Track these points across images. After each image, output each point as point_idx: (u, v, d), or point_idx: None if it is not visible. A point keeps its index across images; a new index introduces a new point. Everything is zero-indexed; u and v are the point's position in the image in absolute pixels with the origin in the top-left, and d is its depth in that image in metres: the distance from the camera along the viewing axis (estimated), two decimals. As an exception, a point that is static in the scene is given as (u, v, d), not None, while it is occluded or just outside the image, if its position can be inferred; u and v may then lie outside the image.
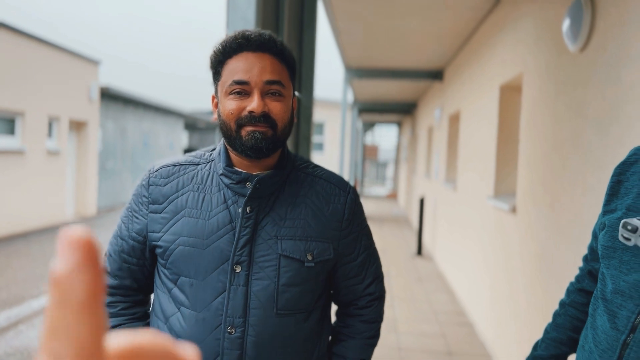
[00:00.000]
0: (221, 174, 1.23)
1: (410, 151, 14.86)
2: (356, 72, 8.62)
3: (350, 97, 12.64)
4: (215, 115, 1.24)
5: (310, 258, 1.21)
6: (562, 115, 2.99)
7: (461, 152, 6.43)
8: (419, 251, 8.78)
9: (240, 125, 1.16)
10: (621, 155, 2.02)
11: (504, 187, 4.63)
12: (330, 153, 21.57)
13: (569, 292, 1.39)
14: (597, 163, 2.48)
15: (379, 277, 1.39)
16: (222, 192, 1.21)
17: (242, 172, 1.21)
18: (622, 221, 0.96)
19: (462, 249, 6.01)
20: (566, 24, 2.85)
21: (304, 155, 3.93)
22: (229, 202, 1.20)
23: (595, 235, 1.26)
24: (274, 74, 1.17)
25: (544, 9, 3.41)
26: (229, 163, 1.23)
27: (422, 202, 8.98)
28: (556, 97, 3.11)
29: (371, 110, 15.19)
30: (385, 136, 38.01)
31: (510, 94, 4.56)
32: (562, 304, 1.39)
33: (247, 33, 1.18)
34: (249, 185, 1.20)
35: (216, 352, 1.17)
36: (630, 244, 0.97)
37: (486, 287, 4.73)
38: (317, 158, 32.70)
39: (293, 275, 1.20)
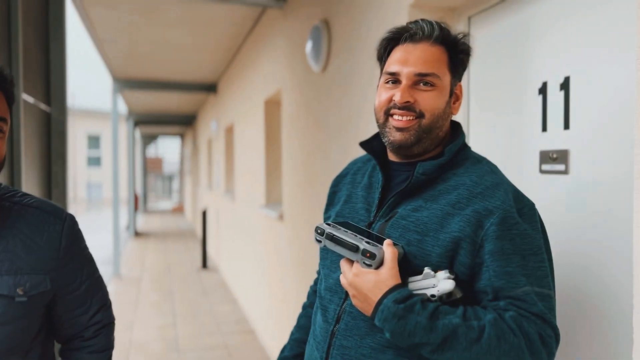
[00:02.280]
0: None
1: (193, 163, 14.72)
2: (126, 83, 8.20)
3: (123, 108, 11.95)
4: None
5: (21, 292, 1.12)
6: (311, 128, 3.28)
7: (237, 163, 6.60)
8: (204, 264, 8.73)
9: None
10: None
11: (273, 196, 4.88)
12: (110, 167, 20.11)
13: (308, 294, 1.52)
14: (338, 170, 2.78)
15: (105, 304, 1.35)
16: None
17: None
18: (315, 226, 1.09)
19: (243, 257, 6.17)
20: (309, 45, 3.14)
21: (60, 174, 3.59)
22: None
23: None
24: None
25: (295, 29, 3.71)
26: None
27: (204, 214, 8.96)
28: (307, 111, 3.40)
29: (150, 122, 14.60)
30: (169, 148, 36.98)
31: (273, 108, 4.84)
32: (304, 306, 1.51)
33: None
34: None
35: None
36: (321, 245, 1.09)
37: (264, 293, 4.92)
38: (95, 173, 30.39)
39: (2, 313, 1.10)
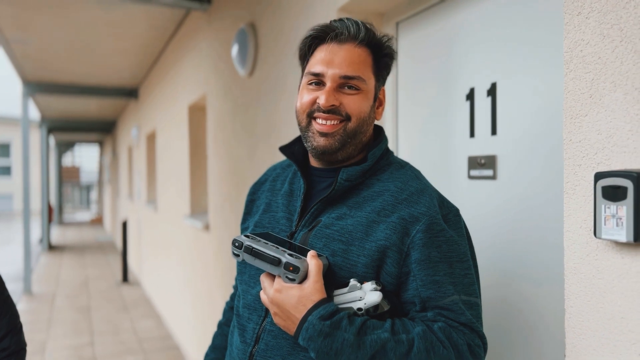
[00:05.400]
0: None
1: (113, 172, 14.05)
2: (37, 86, 7.68)
3: (35, 114, 11.20)
4: None
5: None
6: (239, 134, 3.19)
7: (160, 172, 6.34)
8: (125, 278, 8.31)
9: None
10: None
11: (199, 205, 4.71)
12: (20, 177, 18.79)
13: (224, 311, 1.42)
14: (266, 179, 2.70)
15: (15, 329, 1.22)
16: None
17: None
18: (233, 238, 1.02)
19: (167, 270, 5.91)
20: (235, 49, 3.05)
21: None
22: None
23: None
24: None
25: (220, 32, 3.60)
26: None
27: (124, 225, 8.54)
28: (234, 117, 3.29)
29: (66, 129, 13.77)
30: (87, 156, 35.21)
31: (197, 114, 4.68)
32: (219, 324, 1.41)
33: None
34: None
35: None
36: (239, 259, 1.01)
37: (189, 306, 4.72)
38: (4, 183, 28.27)
39: None
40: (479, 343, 0.98)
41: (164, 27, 5.00)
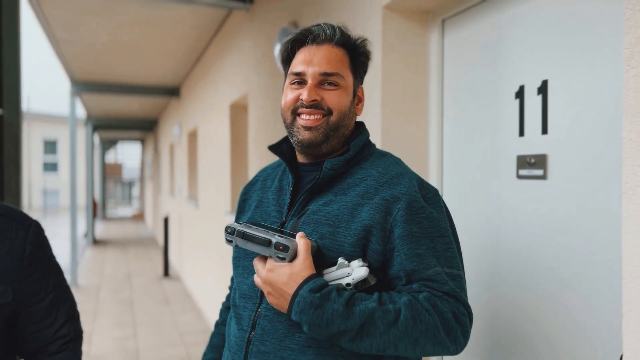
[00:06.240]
0: None
1: (155, 169, 14.38)
2: (84, 86, 7.93)
3: (81, 113, 11.58)
4: None
5: None
6: (280, 133, 3.21)
7: (201, 169, 6.45)
8: (166, 272, 8.51)
9: None
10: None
11: (239, 202, 4.77)
12: (67, 173, 19.47)
13: (220, 311, 1.48)
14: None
15: (73, 317, 1.28)
16: None
17: None
18: (225, 226, 1.07)
19: (206, 265, 6.02)
20: (277, 48, 3.07)
21: (12, 181, 3.40)
22: None
23: None
24: None
25: (262, 32, 3.64)
26: None
27: (166, 221, 8.74)
28: (275, 116, 3.32)
29: (110, 127, 14.19)
30: (129, 154, 36.18)
31: (239, 112, 4.74)
32: (216, 324, 1.47)
33: None
34: None
35: None
36: (232, 245, 1.07)
37: (228, 302, 4.79)
38: (51, 179, 29.34)
39: None
40: (463, 311, 1.03)
41: (206, 27, 5.08)
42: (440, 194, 1.15)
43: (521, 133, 1.53)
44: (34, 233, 1.18)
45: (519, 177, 1.54)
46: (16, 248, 1.13)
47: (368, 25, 2.04)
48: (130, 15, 4.71)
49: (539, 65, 1.47)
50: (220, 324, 1.44)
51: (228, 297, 1.45)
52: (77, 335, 1.27)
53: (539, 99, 1.47)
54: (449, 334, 1.01)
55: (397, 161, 1.19)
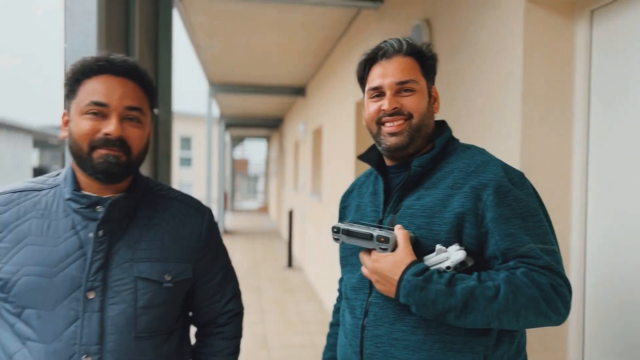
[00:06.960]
0: (68, 199, 1.18)
1: (279, 165, 15.05)
2: (220, 87, 8.55)
3: (216, 112, 12.47)
4: (65, 133, 1.20)
5: (168, 279, 1.21)
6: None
7: (324, 165, 6.66)
8: (290, 263, 8.90)
9: (93, 147, 1.14)
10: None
11: (363, 198, 4.86)
12: (199, 168, 21.09)
13: (333, 313, 1.57)
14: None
15: (237, 294, 1.43)
16: (70, 217, 1.17)
17: (91, 195, 1.19)
18: (332, 226, 1.21)
19: (328, 258, 6.21)
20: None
21: (164, 173, 3.80)
22: (78, 227, 1.17)
23: None
24: (135, 101, 1.18)
25: (391, 30, 3.68)
26: (77, 187, 1.19)
27: (290, 214, 9.13)
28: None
29: (239, 125, 15.14)
30: (255, 150, 38.17)
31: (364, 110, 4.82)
32: (331, 325, 1.56)
33: (111, 57, 1.18)
34: (99, 208, 1.17)
35: None
36: (339, 242, 1.21)
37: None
38: (186, 173, 31.85)
39: (152, 297, 1.19)
40: (561, 282, 1.08)
41: (334, 28, 5.24)
42: (525, 176, 1.20)
43: (683, 130, 1.42)
44: (209, 219, 1.33)
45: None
46: (195, 232, 1.29)
47: (510, 20, 1.99)
48: (266, 20, 5.00)
49: None
50: (334, 325, 1.53)
51: (338, 299, 1.55)
52: (240, 311, 1.42)
53: None
54: (550, 305, 1.06)
55: (482, 151, 1.25)
